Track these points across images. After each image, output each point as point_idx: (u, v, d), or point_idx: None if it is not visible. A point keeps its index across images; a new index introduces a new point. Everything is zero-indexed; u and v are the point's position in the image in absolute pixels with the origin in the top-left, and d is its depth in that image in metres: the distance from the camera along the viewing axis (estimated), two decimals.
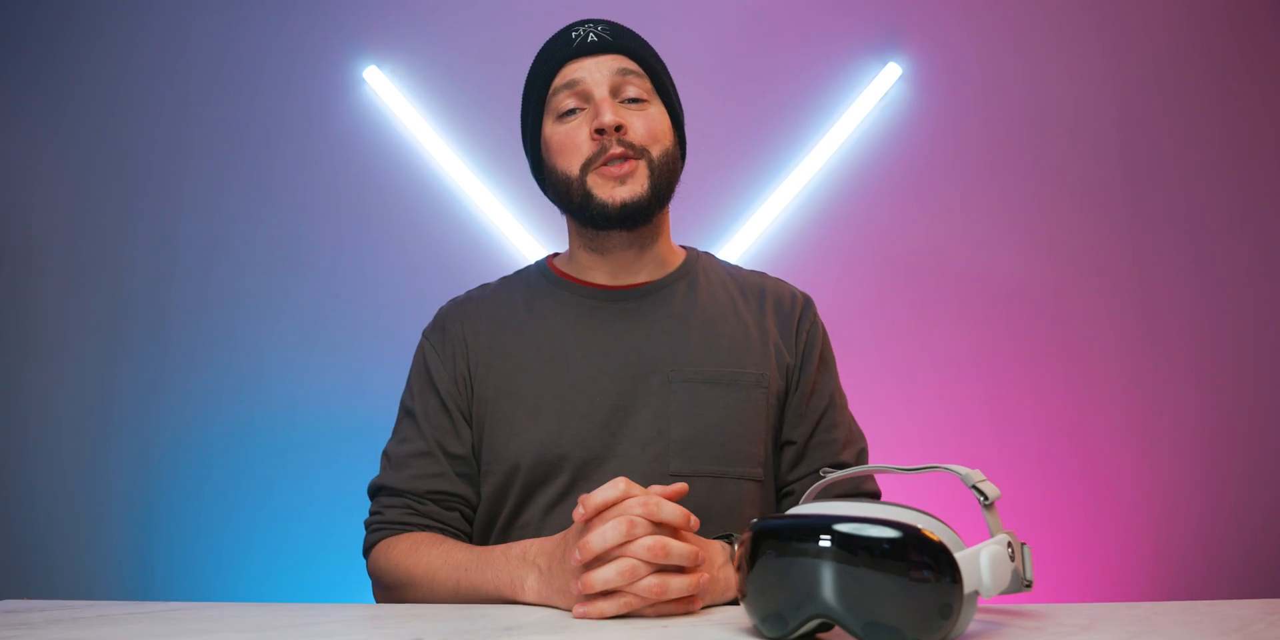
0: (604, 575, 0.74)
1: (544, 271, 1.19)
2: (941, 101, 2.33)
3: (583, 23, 1.12)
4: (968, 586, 0.62)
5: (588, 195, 1.06)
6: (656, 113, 1.09)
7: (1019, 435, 2.19)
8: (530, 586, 0.84)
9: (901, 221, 2.29)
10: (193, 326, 2.33)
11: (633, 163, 1.06)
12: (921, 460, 2.13)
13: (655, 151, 1.07)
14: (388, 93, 2.38)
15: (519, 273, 1.24)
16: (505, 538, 1.07)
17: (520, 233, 2.30)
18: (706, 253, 1.25)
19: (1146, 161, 2.28)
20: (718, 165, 2.24)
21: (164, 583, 2.22)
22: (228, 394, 2.28)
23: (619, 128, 1.05)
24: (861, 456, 1.13)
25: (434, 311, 1.23)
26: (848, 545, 0.59)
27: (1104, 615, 0.71)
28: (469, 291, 1.24)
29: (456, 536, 1.08)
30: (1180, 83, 2.30)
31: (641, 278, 1.14)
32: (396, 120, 2.38)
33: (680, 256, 1.19)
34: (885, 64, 2.32)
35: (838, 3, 2.38)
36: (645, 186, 1.06)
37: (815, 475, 1.09)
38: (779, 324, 1.14)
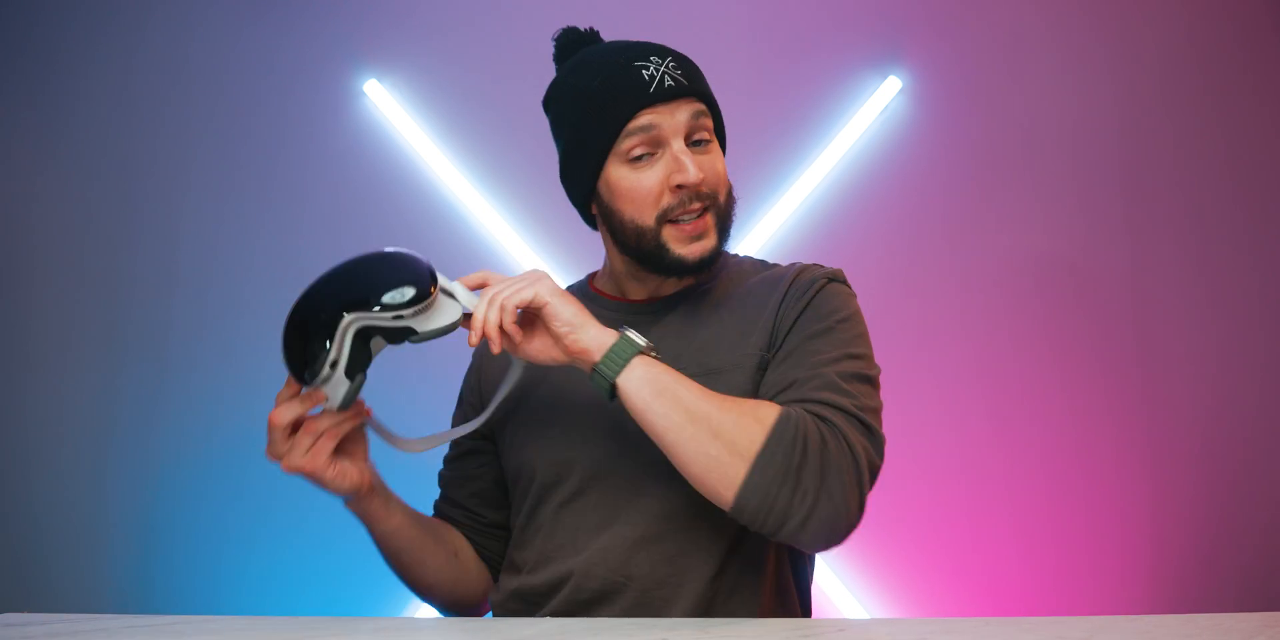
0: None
1: (584, 290, 1.23)
2: (942, 115, 2.34)
3: (649, 55, 1.08)
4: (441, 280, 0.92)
5: (662, 248, 1.07)
6: (718, 153, 1.11)
7: (1020, 445, 2.19)
8: None
9: (901, 232, 2.30)
10: (194, 338, 2.33)
11: (706, 218, 1.08)
12: (920, 471, 2.13)
13: (722, 197, 1.10)
14: (388, 106, 2.39)
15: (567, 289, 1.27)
16: (522, 538, 1.12)
17: (521, 247, 2.30)
18: (743, 255, 1.26)
19: (1148, 173, 2.29)
20: None
21: (164, 596, 2.21)
22: (229, 406, 2.28)
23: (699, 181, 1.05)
24: (810, 382, 0.99)
25: None
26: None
27: (1105, 627, 0.71)
28: None
29: (473, 522, 1.19)
30: (1183, 97, 2.31)
31: (676, 287, 1.16)
32: (397, 134, 2.39)
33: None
34: (885, 77, 2.33)
35: (838, 16, 2.39)
36: (715, 239, 1.09)
37: None
38: (787, 297, 1.10)
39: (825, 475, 0.91)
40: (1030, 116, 2.33)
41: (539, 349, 0.98)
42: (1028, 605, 2.11)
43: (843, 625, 0.82)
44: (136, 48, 2.48)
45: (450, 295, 0.94)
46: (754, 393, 1.04)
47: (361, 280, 0.92)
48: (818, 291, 1.09)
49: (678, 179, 1.04)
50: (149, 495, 2.27)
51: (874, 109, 2.31)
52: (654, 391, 0.93)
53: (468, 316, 0.95)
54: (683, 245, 1.07)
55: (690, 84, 1.08)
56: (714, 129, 1.12)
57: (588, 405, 1.09)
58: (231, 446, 2.26)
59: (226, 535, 2.23)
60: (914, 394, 2.20)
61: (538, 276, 0.98)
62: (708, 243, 1.08)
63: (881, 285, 2.26)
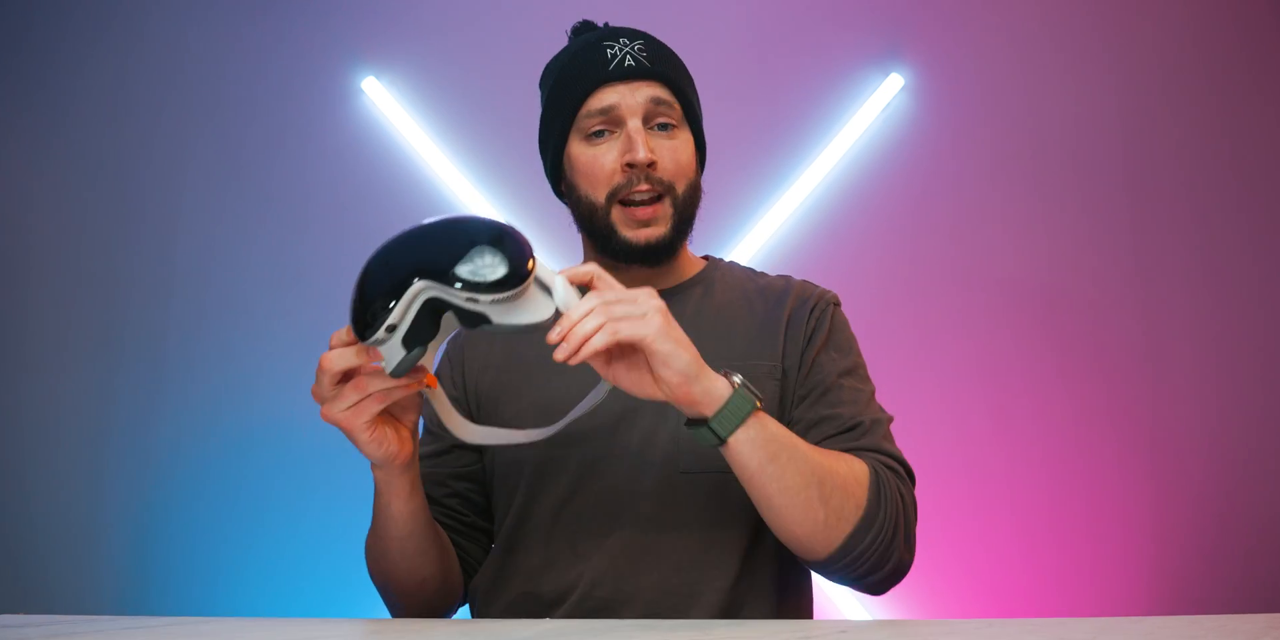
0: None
1: None
2: (944, 113, 2.34)
3: (618, 35, 1.10)
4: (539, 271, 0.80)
5: (611, 229, 1.08)
6: (684, 141, 1.10)
7: (1022, 446, 2.19)
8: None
9: (903, 231, 2.29)
10: (191, 339, 2.33)
11: (658, 205, 1.07)
12: (920, 471, 2.12)
13: (681, 186, 1.08)
14: (386, 104, 2.39)
15: None
16: (514, 540, 1.09)
17: None
18: (730, 262, 1.25)
19: (1150, 171, 2.29)
20: (717, 178, 2.23)
21: (161, 597, 2.21)
22: (226, 407, 2.28)
23: (650, 163, 1.05)
24: (873, 428, 1.04)
25: None
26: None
27: (1108, 629, 0.71)
28: None
29: (454, 522, 1.14)
30: (1185, 94, 2.30)
31: (657, 287, 1.15)
32: (396, 132, 2.38)
33: (699, 265, 1.21)
34: (887, 75, 2.32)
35: (839, 13, 2.39)
36: (668, 227, 1.08)
37: None
38: (794, 318, 1.12)
39: (905, 531, 0.97)
40: (1034, 114, 2.33)
41: (634, 381, 0.87)
42: (1030, 606, 2.11)
43: (844, 626, 0.82)
44: (133, 47, 2.48)
45: (546, 288, 0.82)
46: (769, 397, 1.06)
47: (450, 245, 0.80)
48: (832, 319, 1.14)
49: (627, 157, 1.05)
50: (146, 496, 2.27)
51: (875, 107, 2.31)
52: (767, 455, 0.88)
53: (558, 314, 0.82)
54: (629, 229, 1.08)
55: (653, 66, 1.08)
56: (685, 117, 1.11)
57: (580, 391, 1.08)
58: (229, 448, 2.26)
59: (224, 536, 2.23)
60: (915, 394, 2.20)
61: (653, 308, 0.85)
62: (657, 230, 1.08)
63: (882, 285, 2.26)
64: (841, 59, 2.36)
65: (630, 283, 1.13)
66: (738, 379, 0.88)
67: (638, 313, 0.83)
